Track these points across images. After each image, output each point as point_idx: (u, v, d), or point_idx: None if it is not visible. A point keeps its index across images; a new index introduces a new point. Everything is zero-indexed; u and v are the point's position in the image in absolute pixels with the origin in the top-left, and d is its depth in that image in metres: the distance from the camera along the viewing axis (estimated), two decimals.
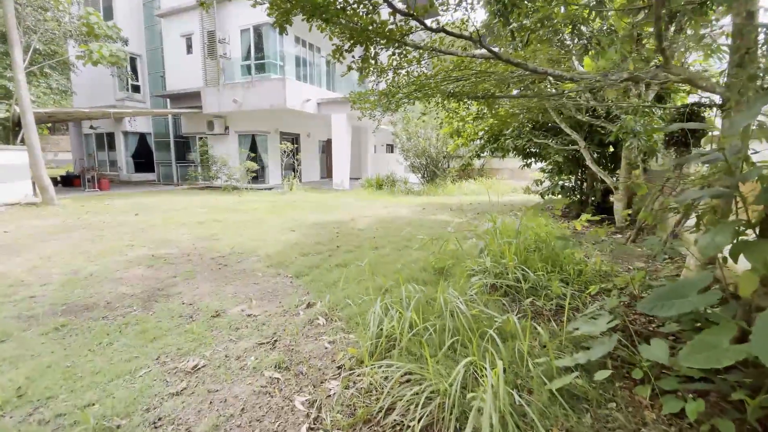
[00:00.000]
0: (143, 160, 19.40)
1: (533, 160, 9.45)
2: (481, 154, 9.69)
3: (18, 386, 2.05)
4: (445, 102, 4.81)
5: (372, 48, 3.32)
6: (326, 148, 20.83)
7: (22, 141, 11.82)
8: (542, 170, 9.11)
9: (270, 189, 15.32)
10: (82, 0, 14.27)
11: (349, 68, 3.86)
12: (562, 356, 2.20)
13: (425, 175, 13.96)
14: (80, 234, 6.06)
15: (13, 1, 8.65)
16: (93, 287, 3.65)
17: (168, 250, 5.06)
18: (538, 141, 7.78)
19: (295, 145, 16.26)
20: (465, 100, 4.84)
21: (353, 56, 4.08)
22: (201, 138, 16.74)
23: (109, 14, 17.05)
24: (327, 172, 21.17)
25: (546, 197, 8.73)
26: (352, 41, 3.18)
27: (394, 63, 3.96)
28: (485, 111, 9.51)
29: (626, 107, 5.48)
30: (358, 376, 2.16)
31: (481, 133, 9.33)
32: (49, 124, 17.56)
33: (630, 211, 6.35)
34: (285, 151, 13.90)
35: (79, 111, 12.29)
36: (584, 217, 4.10)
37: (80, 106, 17.53)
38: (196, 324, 2.88)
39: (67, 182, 15.85)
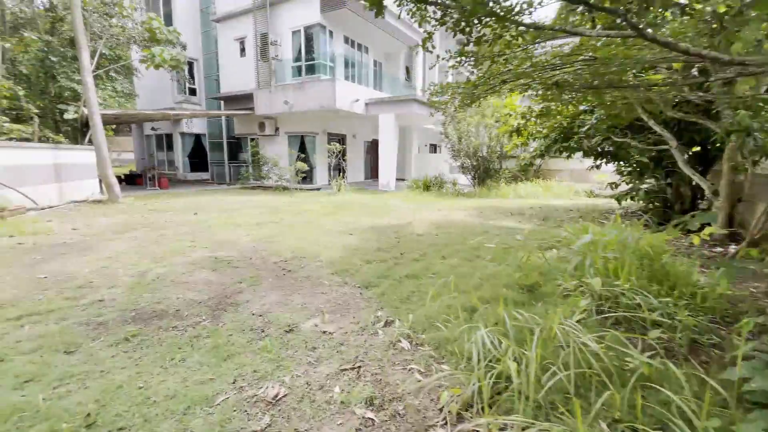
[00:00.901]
0: (198, 159, 20.30)
1: (605, 160, 8.58)
2: (546, 154, 8.93)
3: (87, 413, 1.85)
4: (547, 93, 4.28)
5: (481, 29, 2.89)
6: (371, 148, 20.67)
7: (90, 141, 12.62)
8: (619, 172, 8.21)
9: (317, 189, 15.35)
10: (144, 7, 15.04)
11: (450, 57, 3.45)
12: (723, 414, 1.66)
13: (476, 177, 13.30)
14: (144, 233, 6.16)
15: (81, 8, 9.09)
16: (160, 291, 3.53)
17: (229, 253, 4.94)
18: (617, 140, 6.96)
19: (343, 146, 16.18)
20: (569, 91, 4.26)
21: (432, 47, 3.71)
22: (252, 139, 17.15)
23: (168, 21, 17.91)
24: (371, 172, 21.01)
25: (624, 202, 7.86)
26: (458, 22, 2.77)
27: (496, 48, 3.51)
28: (552, 107, 8.81)
29: (736, 100, 4.65)
30: (474, 427, 1.76)
31: (546, 132, 8.62)
32: (114, 126, 18.76)
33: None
34: (334, 152, 13.79)
35: (142, 112, 12.93)
36: (708, 230, 3.42)
37: (142, 108, 18.60)
38: (269, 340, 2.62)
39: (131, 180, 16.83)
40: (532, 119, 8.93)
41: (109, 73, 13.98)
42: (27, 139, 9.46)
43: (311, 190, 14.90)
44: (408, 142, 20.44)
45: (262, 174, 15.24)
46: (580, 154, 8.68)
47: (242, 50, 16.66)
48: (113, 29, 13.49)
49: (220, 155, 18.91)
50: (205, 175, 20.17)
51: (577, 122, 7.89)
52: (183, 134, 19.48)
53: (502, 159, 13.36)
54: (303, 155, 15.18)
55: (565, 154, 8.95)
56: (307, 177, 15.61)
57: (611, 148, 7.81)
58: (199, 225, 6.87)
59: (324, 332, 2.77)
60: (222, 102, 17.77)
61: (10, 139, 8.57)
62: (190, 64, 18.98)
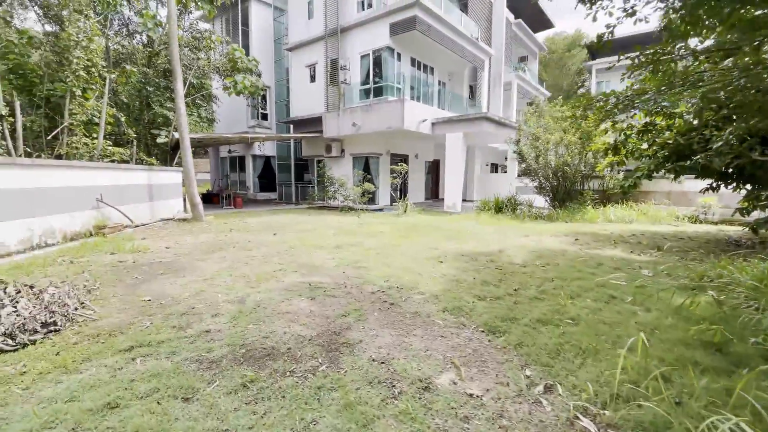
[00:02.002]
0: (267, 180, 21.24)
1: (730, 182, 7.30)
2: (654, 174, 7.84)
3: None
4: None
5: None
6: (431, 168, 20.29)
7: (177, 163, 13.55)
8: (752, 197, 6.89)
9: (380, 210, 15.15)
10: (228, 38, 16.23)
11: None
12: None
13: (556, 198, 12.23)
14: (232, 254, 6.13)
15: (177, 42, 9.80)
16: (265, 323, 3.24)
17: (321, 278, 4.65)
18: (761, 159, 5.80)
19: (406, 166, 15.94)
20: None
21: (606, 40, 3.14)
22: (319, 160, 17.55)
23: (246, 52, 19.28)
24: (432, 193, 20.55)
25: (765, 230, 6.54)
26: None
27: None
28: (659, 123, 7.79)
29: None
30: None
31: (654, 149, 7.58)
32: (193, 149, 20.31)
33: None
34: (401, 172, 13.54)
35: (222, 136, 13.72)
36: None
37: (220, 132, 19.96)
38: (406, 400, 2.14)
39: (207, 199, 17.88)
40: (633, 136, 8.00)
41: (195, 100, 15.12)
42: (126, 161, 10.26)
43: (375, 210, 14.72)
44: (470, 162, 19.76)
45: (328, 194, 15.38)
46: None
47: (312, 76, 17.33)
48: (200, 61, 14.70)
49: (287, 176, 19.59)
50: (273, 195, 20.99)
51: (696, 138, 6.81)
52: (254, 156, 20.55)
53: (586, 179, 12.19)
54: (368, 176, 15.13)
55: (670, 175, 7.82)
56: (370, 198, 15.51)
57: (743, 168, 6.59)
58: (281, 246, 6.76)
59: (470, 395, 2.23)
60: (291, 125, 18.51)
61: (112, 161, 9.32)
62: (263, 91, 20.17)
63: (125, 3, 13.36)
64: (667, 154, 7.27)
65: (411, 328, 3.20)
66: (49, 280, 4.27)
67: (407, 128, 13.08)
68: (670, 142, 6.94)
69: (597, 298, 3.88)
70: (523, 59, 27.88)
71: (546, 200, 12.93)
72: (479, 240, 7.47)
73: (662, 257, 6.01)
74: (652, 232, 8.82)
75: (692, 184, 11.59)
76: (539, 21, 26.69)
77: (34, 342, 2.85)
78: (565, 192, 12.08)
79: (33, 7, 12.80)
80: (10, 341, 2.78)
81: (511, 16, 22.68)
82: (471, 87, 20.05)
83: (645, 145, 8.14)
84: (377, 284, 4.42)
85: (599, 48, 4.66)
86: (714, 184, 7.77)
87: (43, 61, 10.53)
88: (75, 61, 9.09)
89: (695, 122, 7.03)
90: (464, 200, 17.34)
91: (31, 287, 3.76)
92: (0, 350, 2.70)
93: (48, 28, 12.33)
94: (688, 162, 6.73)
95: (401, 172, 13.67)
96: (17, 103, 8.00)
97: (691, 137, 6.77)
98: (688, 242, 7.41)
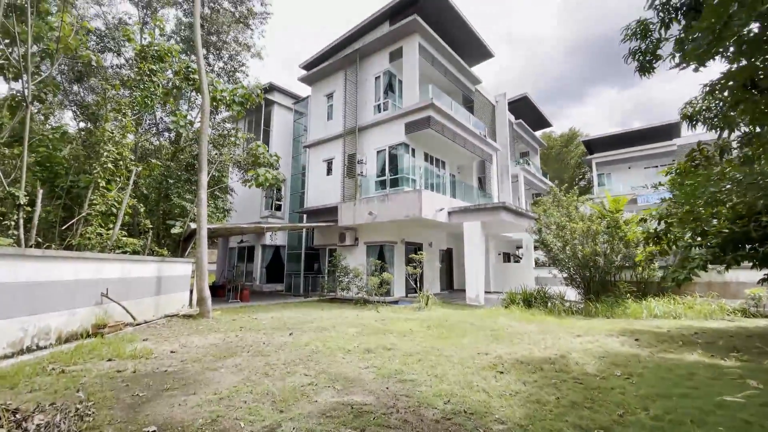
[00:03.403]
0: (274, 270, 20.59)
1: None
2: (710, 265, 7.24)
3: None
4: None
5: None
6: (445, 257, 19.78)
7: (190, 254, 13.12)
8: None
9: (396, 303, 14.21)
10: (248, 139, 17.20)
11: None
12: None
13: (590, 290, 11.42)
14: (247, 361, 5.25)
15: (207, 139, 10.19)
16: None
17: (362, 398, 3.76)
18: None
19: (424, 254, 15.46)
20: None
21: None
22: (332, 250, 17.16)
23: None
24: (447, 284, 19.70)
25: None
26: None
27: None
28: (702, 211, 7.47)
29: None
30: None
31: (692, 236, 7.12)
32: None
33: None
34: (420, 261, 12.99)
35: (237, 226, 13.57)
36: None
37: (233, 223, 20.03)
38: None
39: (213, 292, 16.85)
40: (674, 224, 7.63)
41: (213, 192, 15.37)
42: (137, 252, 9.82)
43: (391, 303, 13.78)
44: (485, 251, 19.33)
45: (341, 285, 14.61)
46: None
47: (329, 169, 17.98)
48: (222, 156, 15.36)
49: (297, 266, 19.01)
50: (279, 286, 20.13)
51: (751, 226, 6.40)
52: (264, 246, 20.26)
53: (619, 270, 11.53)
54: (385, 265, 14.53)
55: (721, 265, 7.25)
56: (386, 290, 14.69)
57: None
58: (302, 350, 5.87)
59: None
60: (305, 215, 18.59)
61: (124, 252, 8.89)
62: (282, 183, 20.82)
63: (159, 106, 14.43)
64: (720, 242, 6.78)
65: None
66: (37, 402, 3.42)
67: (425, 216, 12.94)
68: (726, 231, 6.50)
69: (732, 427, 2.97)
70: (524, 154, 29.53)
71: (578, 293, 12.09)
72: (529, 341, 6.55)
73: (750, 361, 5.09)
74: (711, 328, 7.88)
75: (734, 275, 10.90)
76: (538, 121, 28.96)
77: None
78: (600, 283, 11.33)
79: (71, 107, 13.82)
80: None
81: (512, 117, 24.60)
82: (480, 179, 20.68)
83: (688, 234, 7.72)
84: (437, 407, 3.53)
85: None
86: None
87: (72, 155, 10.89)
88: (105, 154, 9.30)
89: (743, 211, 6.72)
90: (488, 292, 16.44)
91: (15, 413, 2.94)
92: None
93: (82, 125, 13.11)
94: (746, 251, 6.21)
95: (420, 261, 13.11)
96: (39, 193, 7.88)
97: (746, 225, 6.36)
98: (760, 340, 6.47)
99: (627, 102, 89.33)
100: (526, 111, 26.98)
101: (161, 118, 16.52)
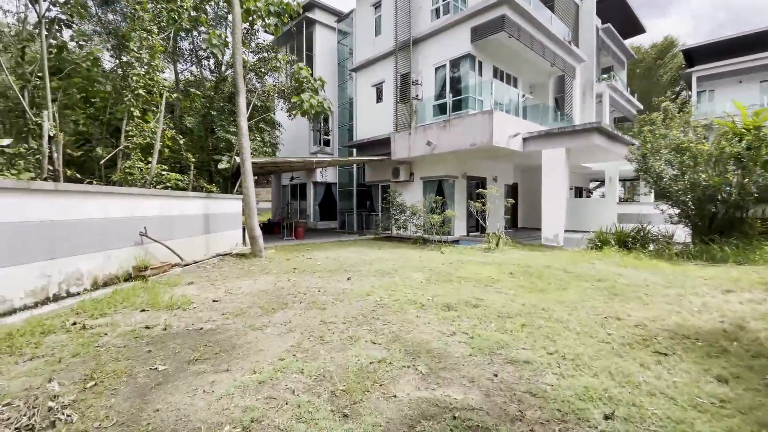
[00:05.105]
0: (327, 208, 19.99)
1: None
2: None
3: None
4: None
5: None
6: (510, 193, 17.66)
7: (237, 191, 12.45)
8: None
9: (457, 242, 12.83)
10: (289, 61, 15.32)
11: None
12: None
13: (711, 229, 9.07)
14: (300, 317, 4.21)
15: (241, 52, 8.69)
16: None
17: (460, 391, 2.48)
18: None
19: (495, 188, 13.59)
20: None
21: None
22: (384, 186, 15.82)
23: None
24: (511, 222, 17.81)
25: None
26: None
27: None
28: None
29: None
30: None
31: None
32: (255, 177, 19.73)
33: None
34: (489, 197, 11.24)
35: (285, 160, 12.51)
36: None
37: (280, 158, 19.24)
38: None
39: (268, 229, 16.83)
40: None
41: (258, 124, 14.28)
42: (183, 188, 9.12)
43: (452, 243, 12.44)
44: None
45: (397, 224, 13.43)
46: None
47: (379, 96, 15.97)
48: (266, 86, 13.95)
49: (349, 204, 18.11)
50: (333, 224, 19.60)
51: None
52: (315, 183, 19.46)
53: (758, 202, 8.93)
54: (444, 200, 12.95)
55: None
56: (447, 228, 13.27)
57: None
58: (364, 302, 4.73)
59: None
60: (355, 150, 17.15)
61: (166, 187, 8.16)
62: (326, 118, 19.28)
63: (191, 26, 12.97)
64: None
65: None
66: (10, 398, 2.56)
67: (496, 144, 10.87)
68: None
69: None
70: (607, 70, 24.68)
71: (685, 231, 9.79)
72: (664, 299, 4.84)
73: None
74: None
75: None
76: (629, 25, 23.61)
77: None
78: (725, 221, 8.92)
79: (108, 40, 12.84)
80: None
81: (599, 22, 20.00)
82: (556, 100, 17.45)
83: None
84: (588, 417, 2.14)
85: None
86: None
87: (114, 88, 10.06)
88: (135, 78, 8.24)
89: None
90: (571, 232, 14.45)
91: None
92: None
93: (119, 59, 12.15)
94: None
95: (490, 196, 11.34)
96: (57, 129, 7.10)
97: None
98: None
99: (720, 10, 71.87)
100: (613, 13, 21.85)
101: (198, 44, 15.20)
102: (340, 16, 19.58)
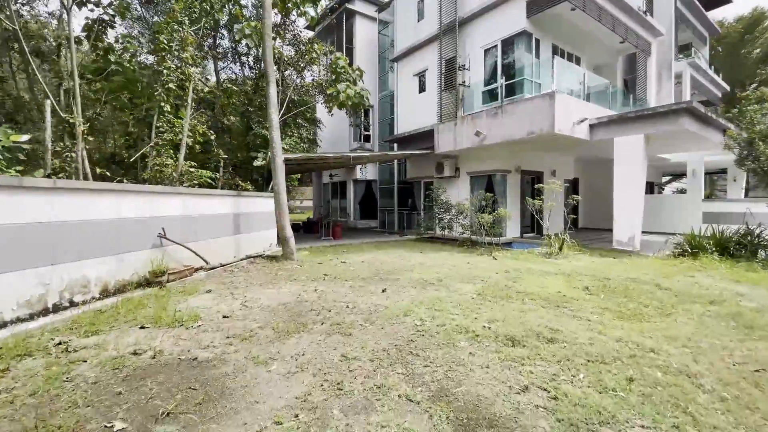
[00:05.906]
0: (367, 206, 19.29)
1: None
2: None
3: None
4: None
5: None
6: (572, 189, 15.72)
7: (272, 189, 12.01)
8: None
9: (510, 245, 11.42)
10: (326, 52, 14.59)
11: None
12: None
13: None
14: (317, 346, 3.34)
15: (271, 38, 8.04)
16: None
17: None
18: None
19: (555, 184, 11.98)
20: None
21: None
22: (427, 183, 14.68)
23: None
24: (571, 221, 15.88)
25: None
26: None
27: None
28: None
29: None
30: None
31: None
32: (299, 175, 19.43)
33: None
34: (550, 193, 9.78)
35: (322, 156, 11.81)
36: None
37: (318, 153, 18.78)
38: None
39: (308, 228, 16.44)
40: None
41: (296, 119, 13.77)
42: (209, 186, 8.67)
43: (504, 245, 11.07)
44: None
45: (442, 223, 12.29)
46: None
47: (421, 86, 14.85)
48: (303, 81, 13.41)
49: (390, 202, 17.21)
50: (373, 223, 18.83)
51: None
52: (356, 181, 18.80)
53: None
54: (494, 197, 11.57)
55: None
56: (499, 229, 11.90)
57: None
58: (401, 327, 3.76)
59: None
60: (396, 145, 16.18)
61: (193, 185, 7.72)
62: (366, 111, 18.50)
63: (225, 17, 12.66)
64: None
65: None
66: None
67: (559, 132, 9.35)
68: None
69: None
70: (685, 48, 21.49)
71: None
72: None
73: None
74: None
75: None
76: None
77: None
78: None
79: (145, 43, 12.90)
80: None
81: None
82: (626, 82, 15.24)
83: None
84: None
85: None
86: None
87: (148, 84, 9.94)
88: (165, 72, 7.89)
89: None
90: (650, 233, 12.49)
91: None
92: None
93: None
94: None
95: (551, 192, 9.86)
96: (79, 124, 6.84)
97: None
98: None
99: None
100: None
101: (237, 42, 15.02)
102: (381, 5, 18.66)
